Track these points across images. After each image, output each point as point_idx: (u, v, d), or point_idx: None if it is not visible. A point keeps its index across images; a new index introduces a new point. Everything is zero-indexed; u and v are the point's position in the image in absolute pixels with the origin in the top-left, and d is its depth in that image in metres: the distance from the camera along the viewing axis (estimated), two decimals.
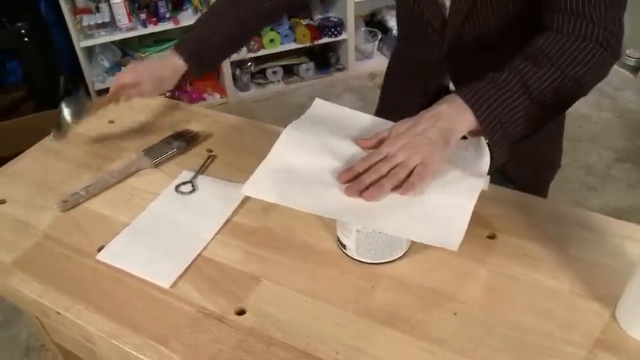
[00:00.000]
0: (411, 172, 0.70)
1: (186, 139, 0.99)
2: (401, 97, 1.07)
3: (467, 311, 0.67)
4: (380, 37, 3.19)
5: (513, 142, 0.75)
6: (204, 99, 2.96)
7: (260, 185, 0.76)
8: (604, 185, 2.24)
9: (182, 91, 2.92)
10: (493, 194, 0.82)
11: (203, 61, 1.00)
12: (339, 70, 3.15)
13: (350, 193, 0.70)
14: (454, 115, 0.71)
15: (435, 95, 1.00)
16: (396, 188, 0.70)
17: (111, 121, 1.09)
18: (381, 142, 0.75)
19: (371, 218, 0.69)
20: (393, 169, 0.70)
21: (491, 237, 0.78)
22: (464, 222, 0.68)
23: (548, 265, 0.73)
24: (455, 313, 0.67)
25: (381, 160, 0.72)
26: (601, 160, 2.37)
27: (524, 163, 1.01)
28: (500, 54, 0.88)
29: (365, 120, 0.86)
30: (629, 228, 0.78)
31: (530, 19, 0.83)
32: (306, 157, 0.77)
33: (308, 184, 0.74)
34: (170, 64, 0.98)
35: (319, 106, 0.89)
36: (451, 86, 0.99)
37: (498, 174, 0.99)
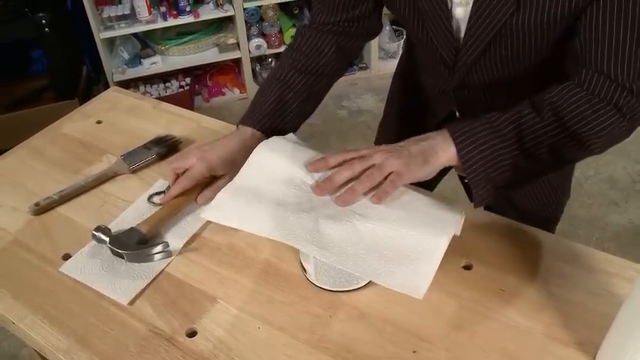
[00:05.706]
0: (385, 179, 0.67)
1: (167, 145, 0.96)
2: (406, 125, 1.04)
3: (428, 350, 0.63)
4: (405, 36, 3.11)
5: (503, 188, 0.71)
6: (223, 94, 2.94)
7: (222, 208, 0.72)
8: (627, 200, 2.12)
9: (202, 84, 2.92)
10: (473, 219, 0.77)
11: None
12: (362, 68, 3.08)
13: (319, 192, 0.69)
14: (440, 143, 0.70)
15: (444, 120, 0.97)
16: (369, 192, 0.68)
17: (99, 122, 1.08)
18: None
19: (333, 252, 0.64)
20: (367, 169, 0.68)
21: (468, 267, 0.73)
22: (432, 269, 0.62)
23: (524, 303, 0.68)
24: (414, 351, 0.63)
25: (356, 159, 0.70)
26: (627, 174, 2.25)
27: (531, 194, 0.98)
28: (510, 94, 0.82)
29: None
30: (619, 265, 0.72)
31: (545, 71, 0.79)
32: (274, 179, 0.73)
33: (272, 207, 0.70)
34: (240, 139, 0.83)
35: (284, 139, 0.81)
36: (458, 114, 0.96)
37: (504, 202, 0.95)
